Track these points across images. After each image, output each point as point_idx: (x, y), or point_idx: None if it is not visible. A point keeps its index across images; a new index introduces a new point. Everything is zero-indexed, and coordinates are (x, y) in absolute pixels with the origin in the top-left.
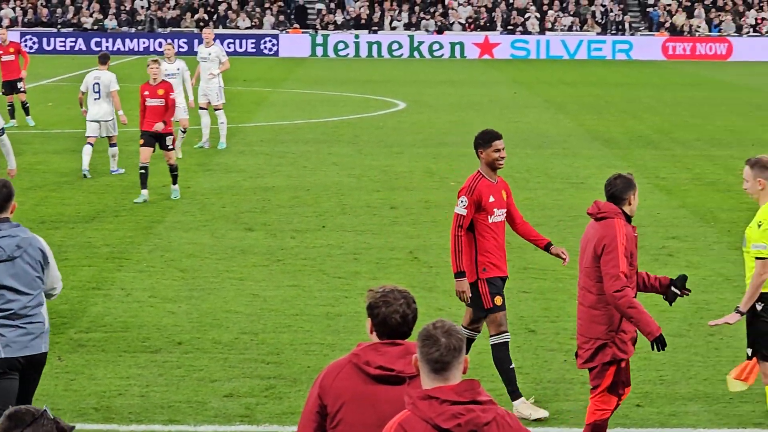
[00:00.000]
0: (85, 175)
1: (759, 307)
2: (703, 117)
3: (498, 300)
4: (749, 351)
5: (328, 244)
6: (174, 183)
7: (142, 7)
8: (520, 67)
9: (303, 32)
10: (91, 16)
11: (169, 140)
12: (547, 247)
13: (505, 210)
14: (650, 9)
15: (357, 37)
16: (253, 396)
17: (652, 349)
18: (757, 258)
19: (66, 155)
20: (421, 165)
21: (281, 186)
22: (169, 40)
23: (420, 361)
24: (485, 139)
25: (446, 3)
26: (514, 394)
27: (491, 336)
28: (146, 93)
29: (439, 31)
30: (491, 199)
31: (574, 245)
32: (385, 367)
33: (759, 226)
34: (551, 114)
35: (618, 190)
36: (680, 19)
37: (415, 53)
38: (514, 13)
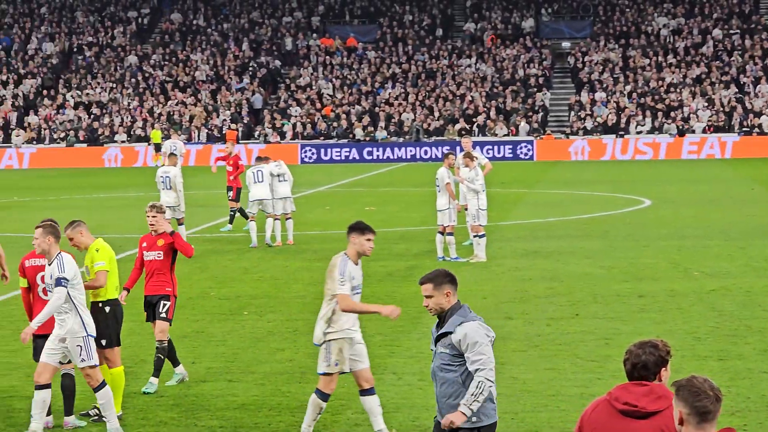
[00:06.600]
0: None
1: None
2: None
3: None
4: None
5: (581, 330)
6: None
7: (410, 120)
8: (757, 166)
9: (556, 138)
10: (363, 129)
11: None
12: None
13: None
14: None
15: (607, 140)
16: None
17: None
18: None
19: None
20: (665, 257)
21: (537, 277)
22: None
23: (687, 410)
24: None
25: (687, 108)
26: None
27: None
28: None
29: (681, 134)
30: None
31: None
32: (630, 404)
33: None
34: None
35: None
36: None
37: (658, 155)
38: (751, 116)
